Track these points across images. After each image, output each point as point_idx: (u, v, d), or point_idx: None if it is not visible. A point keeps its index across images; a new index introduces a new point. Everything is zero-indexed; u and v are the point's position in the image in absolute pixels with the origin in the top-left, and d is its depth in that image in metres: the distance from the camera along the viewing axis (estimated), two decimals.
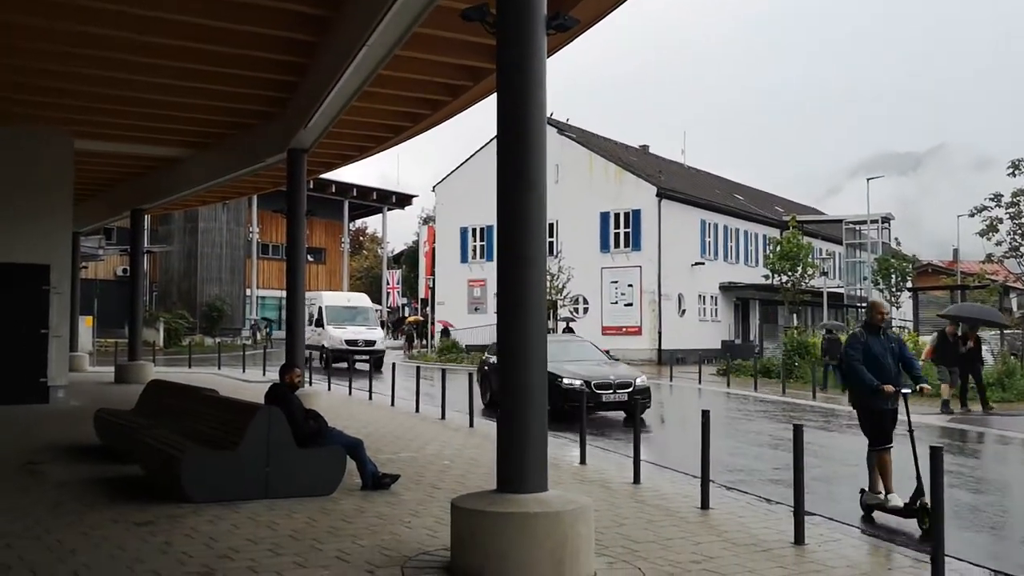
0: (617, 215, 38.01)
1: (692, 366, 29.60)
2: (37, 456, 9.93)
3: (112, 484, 8.36)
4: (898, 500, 7.68)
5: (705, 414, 7.89)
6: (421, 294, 47.84)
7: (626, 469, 9.39)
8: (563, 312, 34.68)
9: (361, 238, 75.09)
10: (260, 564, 5.72)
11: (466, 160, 42.60)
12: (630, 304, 37.31)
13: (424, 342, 41.19)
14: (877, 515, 7.87)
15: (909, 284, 38.28)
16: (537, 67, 5.78)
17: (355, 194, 56.37)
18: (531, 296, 5.73)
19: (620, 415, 15.62)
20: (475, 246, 42.04)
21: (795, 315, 32.16)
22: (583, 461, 10.09)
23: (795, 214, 37.96)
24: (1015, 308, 31.15)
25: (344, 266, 57.31)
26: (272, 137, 14.73)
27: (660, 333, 36.31)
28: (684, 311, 38.44)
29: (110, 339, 35.16)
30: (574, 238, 37.06)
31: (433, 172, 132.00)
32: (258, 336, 44.98)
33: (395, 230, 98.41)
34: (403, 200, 61.34)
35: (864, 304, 38.64)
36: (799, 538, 6.50)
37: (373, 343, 29.00)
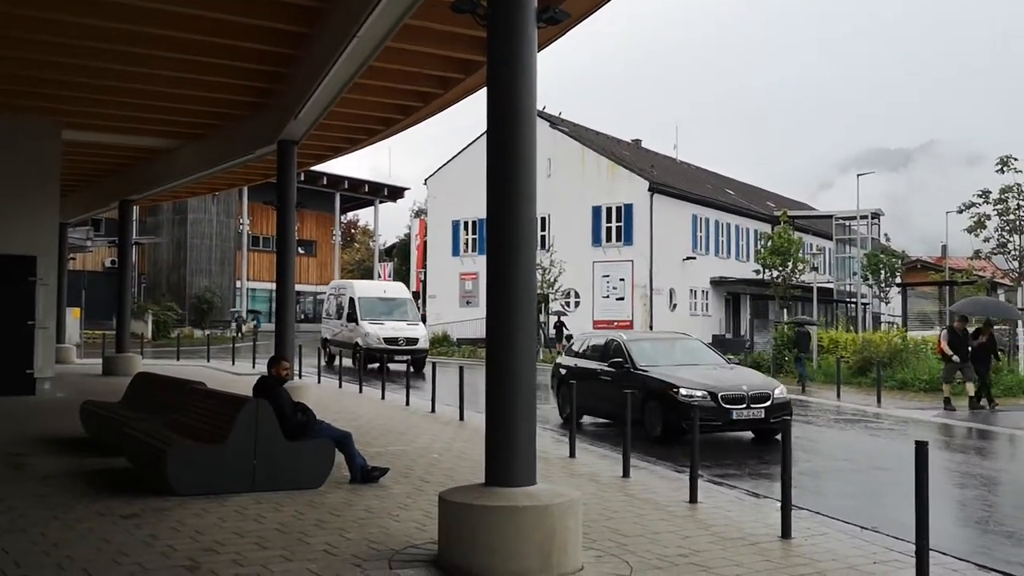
0: (609, 209, 38.05)
1: None
2: (22, 448, 9.88)
3: (98, 477, 8.33)
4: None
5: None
6: (413, 287, 47.79)
7: (616, 464, 9.39)
8: (555, 306, 34.75)
9: (352, 231, 74.84)
10: (246, 557, 5.70)
11: (458, 153, 42.56)
12: (621, 298, 37.37)
13: None
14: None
15: (898, 280, 38.49)
16: (528, 60, 5.76)
17: (346, 186, 56.18)
18: (520, 286, 5.71)
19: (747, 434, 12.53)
20: (467, 239, 42.01)
21: (785, 310, 32.30)
22: (572, 455, 10.09)
23: (786, 209, 38.13)
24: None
25: (335, 259, 57.14)
26: (262, 128, 14.64)
27: (651, 327, 36.36)
28: (675, 305, 38.54)
29: (98, 331, 34.99)
30: (566, 232, 37.12)
31: (425, 165, 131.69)
32: (242, 329, 44.72)
33: (387, 223, 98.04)
34: (395, 193, 61.15)
35: (853, 299, 38.95)
36: (786, 532, 6.53)
37: (416, 341, 25.32)
